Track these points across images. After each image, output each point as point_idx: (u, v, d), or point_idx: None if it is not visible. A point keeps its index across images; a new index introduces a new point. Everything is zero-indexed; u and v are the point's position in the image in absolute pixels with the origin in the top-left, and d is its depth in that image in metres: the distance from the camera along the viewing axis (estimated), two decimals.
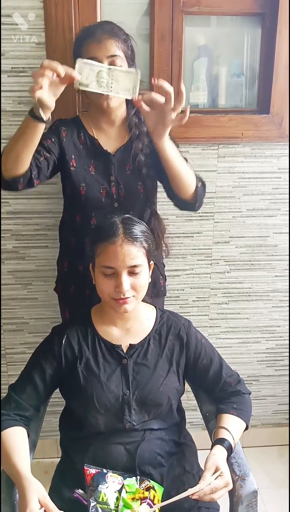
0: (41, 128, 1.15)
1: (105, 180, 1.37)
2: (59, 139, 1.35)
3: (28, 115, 1.12)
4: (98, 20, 1.53)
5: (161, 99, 1.11)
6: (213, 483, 1.03)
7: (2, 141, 1.59)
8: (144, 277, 1.16)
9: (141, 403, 1.17)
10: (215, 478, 1.04)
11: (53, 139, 1.33)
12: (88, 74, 1.12)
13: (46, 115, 1.11)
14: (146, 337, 1.22)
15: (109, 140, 1.39)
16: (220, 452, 1.10)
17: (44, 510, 0.97)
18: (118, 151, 1.38)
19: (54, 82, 1.09)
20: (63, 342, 1.19)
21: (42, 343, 1.23)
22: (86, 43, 1.27)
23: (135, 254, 1.12)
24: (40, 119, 1.11)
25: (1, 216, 1.67)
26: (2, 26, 1.48)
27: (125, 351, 1.20)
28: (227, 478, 1.05)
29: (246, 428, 1.21)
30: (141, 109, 1.16)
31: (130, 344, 1.21)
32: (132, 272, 1.13)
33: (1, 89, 1.54)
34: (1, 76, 1.52)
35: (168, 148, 1.21)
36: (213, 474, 1.04)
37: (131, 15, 1.60)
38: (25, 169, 1.21)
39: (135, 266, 1.12)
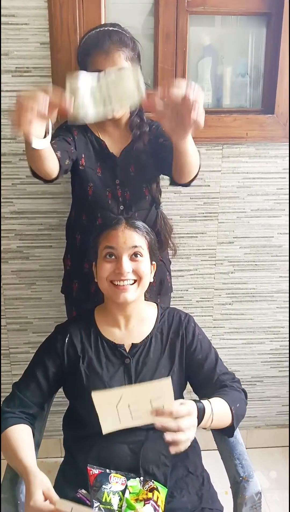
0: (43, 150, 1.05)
1: (111, 183, 1.38)
2: (73, 136, 1.35)
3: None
4: (103, 20, 1.53)
5: (179, 92, 0.96)
6: (176, 411, 0.97)
7: (2, 141, 1.59)
8: (146, 265, 1.18)
9: None
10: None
11: (70, 138, 1.33)
12: (83, 97, 0.97)
13: (43, 142, 1.00)
14: (148, 336, 1.22)
15: (114, 142, 1.39)
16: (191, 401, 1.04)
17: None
18: (123, 153, 1.38)
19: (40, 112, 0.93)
20: (66, 340, 1.20)
21: (45, 341, 1.24)
22: (93, 54, 1.25)
23: (136, 238, 1.16)
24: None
25: (6, 216, 1.68)
26: (7, 26, 1.48)
27: (127, 350, 1.20)
28: (190, 407, 1.00)
29: (232, 417, 1.13)
30: (156, 110, 0.99)
31: (132, 343, 1.21)
32: (133, 256, 1.15)
33: (6, 89, 1.54)
34: (6, 76, 1.52)
35: (189, 146, 1.10)
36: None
37: (135, 15, 1.60)
38: (57, 170, 1.19)
39: (135, 247, 1.15)
